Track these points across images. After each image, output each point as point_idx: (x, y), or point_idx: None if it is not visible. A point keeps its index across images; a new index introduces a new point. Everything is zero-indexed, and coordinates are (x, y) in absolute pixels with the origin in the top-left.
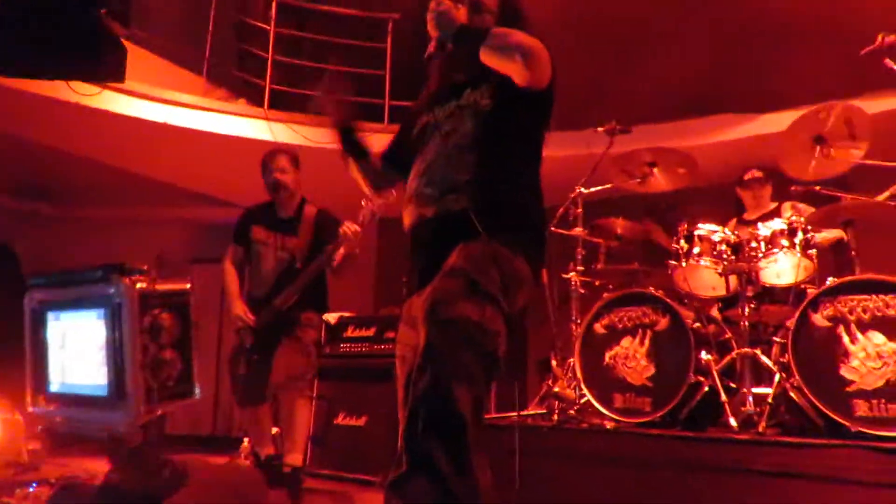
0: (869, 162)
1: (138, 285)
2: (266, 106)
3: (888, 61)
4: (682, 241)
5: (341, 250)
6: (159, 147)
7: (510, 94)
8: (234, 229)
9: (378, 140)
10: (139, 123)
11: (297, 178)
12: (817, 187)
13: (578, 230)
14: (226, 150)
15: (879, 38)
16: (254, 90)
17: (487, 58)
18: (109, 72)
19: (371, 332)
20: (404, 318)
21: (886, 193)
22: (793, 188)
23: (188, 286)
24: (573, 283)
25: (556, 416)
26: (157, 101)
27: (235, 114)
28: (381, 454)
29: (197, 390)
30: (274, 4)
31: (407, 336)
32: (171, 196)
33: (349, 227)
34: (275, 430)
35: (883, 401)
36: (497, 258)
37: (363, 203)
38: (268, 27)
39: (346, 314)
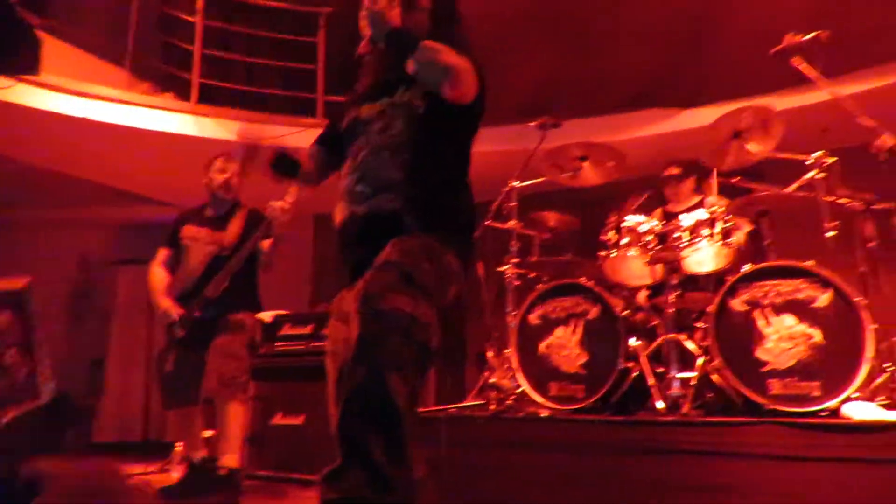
0: (779, 155)
1: None
2: (193, 100)
3: (795, 60)
4: (612, 233)
5: (268, 241)
6: (80, 143)
7: (439, 100)
8: (166, 232)
9: (311, 136)
10: (57, 118)
11: (235, 176)
12: (735, 179)
13: (513, 223)
14: (151, 145)
15: (787, 38)
16: (180, 84)
17: (414, 70)
18: (23, 64)
19: (308, 330)
20: (335, 313)
21: (795, 185)
22: (712, 181)
23: (27, 282)
24: (508, 275)
25: (493, 407)
26: (76, 95)
27: (161, 108)
28: (320, 453)
29: (46, 391)
30: None
31: (338, 331)
32: (93, 195)
33: (277, 204)
34: (209, 433)
35: (795, 379)
36: (430, 252)
37: (290, 188)
38: (194, 19)
39: (282, 312)
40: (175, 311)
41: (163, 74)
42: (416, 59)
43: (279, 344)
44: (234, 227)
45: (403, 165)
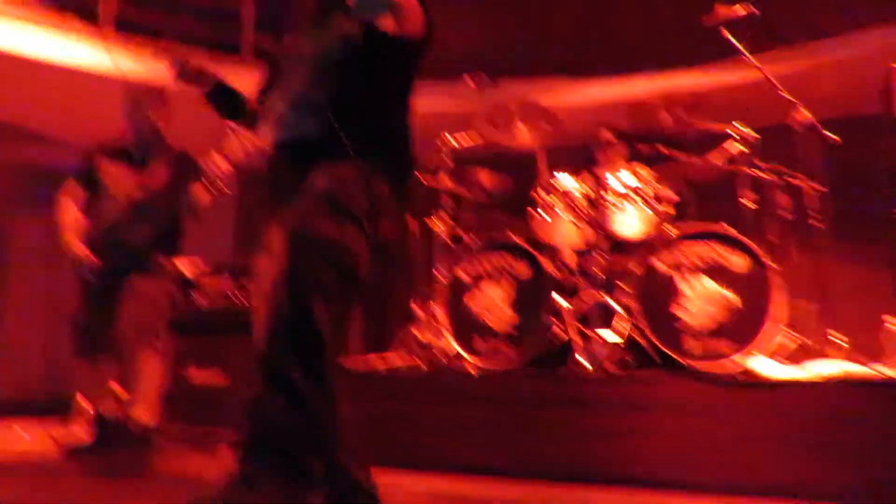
0: (706, 125)
1: None
2: (108, 29)
3: (724, 32)
4: (543, 194)
5: (207, 194)
6: None
7: (381, 33)
8: (78, 167)
9: (237, 75)
10: None
11: (166, 118)
12: (660, 147)
13: (446, 180)
14: (52, 76)
15: (717, 10)
16: (89, 8)
17: (354, 5)
18: None
19: (228, 282)
20: (259, 246)
21: (717, 155)
22: (638, 146)
23: None
24: (439, 231)
25: (418, 361)
26: None
27: (61, 30)
28: (240, 409)
29: None
30: None
31: (262, 266)
32: None
33: (220, 166)
34: (116, 388)
35: (710, 338)
36: (361, 181)
37: (231, 136)
38: None
39: (202, 264)
40: (90, 259)
41: None
42: None
43: (199, 297)
44: (161, 171)
45: (333, 90)
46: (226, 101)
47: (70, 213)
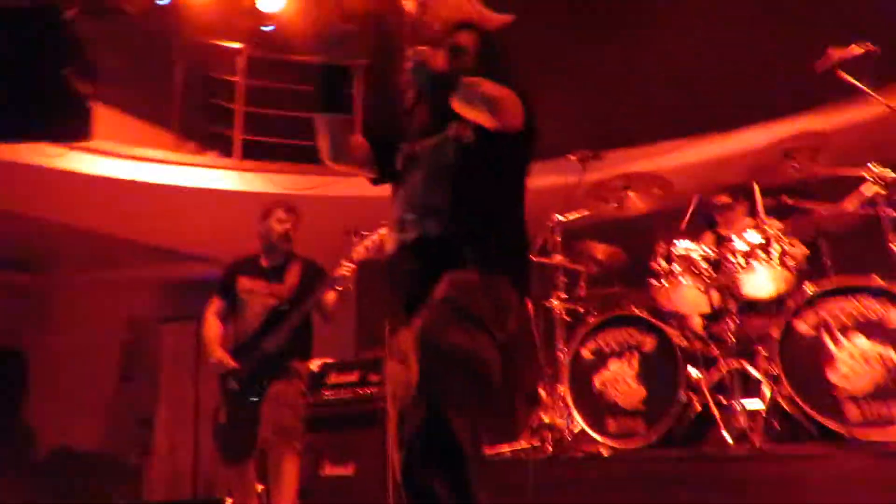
0: (834, 171)
1: None
2: (237, 156)
3: (842, 73)
4: (662, 261)
5: (333, 293)
6: (129, 205)
7: (487, 130)
8: (218, 282)
9: (353, 182)
10: (107, 182)
11: (294, 228)
12: (786, 199)
13: (558, 257)
14: (197, 203)
15: (829, 52)
16: (224, 142)
17: (458, 107)
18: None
19: (354, 377)
20: (391, 353)
21: (852, 200)
22: (764, 201)
23: None
24: (557, 310)
25: (550, 447)
26: (125, 158)
27: (205, 166)
28: (371, 502)
29: None
30: (242, 58)
31: (396, 372)
32: (141, 254)
33: (347, 266)
34: (260, 487)
35: (873, 403)
36: (485, 285)
37: (355, 240)
38: (236, 79)
39: (328, 360)
40: (228, 362)
41: (207, 134)
42: (457, 96)
43: (326, 393)
44: (292, 278)
45: (450, 191)
46: (334, 88)
47: (212, 325)
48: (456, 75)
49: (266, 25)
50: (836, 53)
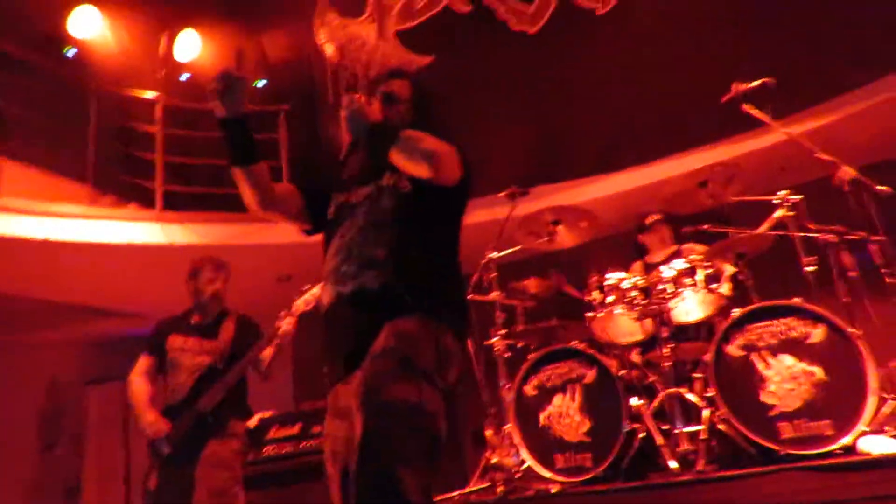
0: (747, 198)
1: None
2: (158, 208)
3: (745, 106)
4: (595, 292)
5: (269, 349)
6: (45, 264)
7: (427, 183)
8: (147, 340)
9: (279, 231)
10: (19, 243)
11: (220, 281)
12: (706, 226)
13: (495, 294)
14: (118, 258)
15: (734, 86)
16: (143, 193)
17: (397, 160)
18: None
19: (296, 430)
20: (331, 409)
21: (766, 225)
22: (683, 230)
23: None
24: (497, 348)
25: (500, 488)
26: (38, 215)
27: (126, 219)
28: None
29: None
30: (159, 108)
31: (336, 429)
32: (61, 314)
33: (286, 321)
34: None
35: (805, 420)
36: (427, 333)
37: (295, 296)
38: (154, 129)
39: (266, 414)
40: (160, 425)
41: (125, 185)
42: (398, 148)
43: (267, 448)
44: (225, 335)
45: (389, 242)
46: (241, 139)
47: (140, 385)
48: (395, 127)
49: (182, 74)
50: (738, 87)
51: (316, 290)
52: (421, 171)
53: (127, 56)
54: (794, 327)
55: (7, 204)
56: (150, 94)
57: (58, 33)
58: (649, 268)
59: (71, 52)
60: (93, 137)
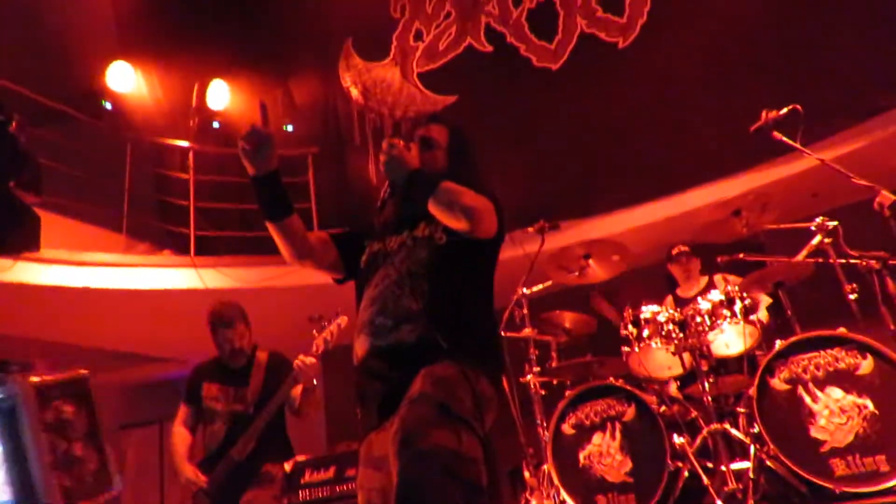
0: (781, 226)
1: (32, 378)
2: (192, 253)
3: (776, 133)
4: (630, 326)
5: (298, 387)
6: (83, 312)
7: (464, 237)
8: (184, 389)
9: (310, 273)
10: (58, 291)
11: (248, 333)
12: (741, 255)
13: (528, 331)
14: (153, 304)
15: (764, 114)
16: (177, 239)
17: (435, 211)
18: (24, 242)
19: (330, 474)
20: (363, 459)
21: (804, 252)
22: (719, 259)
23: (85, 371)
24: (532, 385)
25: None
26: (76, 265)
27: (160, 266)
28: None
29: (118, 482)
30: (191, 155)
31: (370, 480)
32: (98, 361)
33: (304, 360)
34: None
35: (858, 455)
36: (464, 378)
37: (315, 333)
38: (187, 176)
39: (301, 458)
40: (200, 479)
41: (159, 232)
42: (436, 200)
43: (302, 492)
44: (256, 380)
45: (423, 294)
46: (272, 194)
47: (180, 437)
48: (434, 179)
49: (213, 122)
50: (769, 114)
51: (333, 327)
52: (459, 225)
53: (160, 107)
54: (842, 358)
55: (46, 255)
56: (182, 143)
57: (95, 88)
58: (681, 302)
59: (108, 106)
60: (128, 187)
